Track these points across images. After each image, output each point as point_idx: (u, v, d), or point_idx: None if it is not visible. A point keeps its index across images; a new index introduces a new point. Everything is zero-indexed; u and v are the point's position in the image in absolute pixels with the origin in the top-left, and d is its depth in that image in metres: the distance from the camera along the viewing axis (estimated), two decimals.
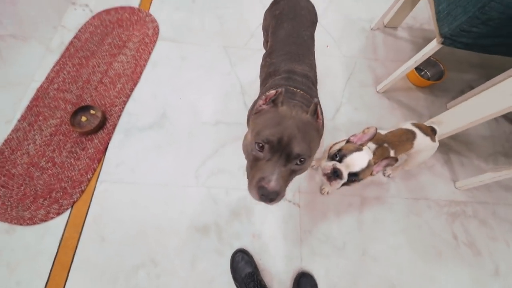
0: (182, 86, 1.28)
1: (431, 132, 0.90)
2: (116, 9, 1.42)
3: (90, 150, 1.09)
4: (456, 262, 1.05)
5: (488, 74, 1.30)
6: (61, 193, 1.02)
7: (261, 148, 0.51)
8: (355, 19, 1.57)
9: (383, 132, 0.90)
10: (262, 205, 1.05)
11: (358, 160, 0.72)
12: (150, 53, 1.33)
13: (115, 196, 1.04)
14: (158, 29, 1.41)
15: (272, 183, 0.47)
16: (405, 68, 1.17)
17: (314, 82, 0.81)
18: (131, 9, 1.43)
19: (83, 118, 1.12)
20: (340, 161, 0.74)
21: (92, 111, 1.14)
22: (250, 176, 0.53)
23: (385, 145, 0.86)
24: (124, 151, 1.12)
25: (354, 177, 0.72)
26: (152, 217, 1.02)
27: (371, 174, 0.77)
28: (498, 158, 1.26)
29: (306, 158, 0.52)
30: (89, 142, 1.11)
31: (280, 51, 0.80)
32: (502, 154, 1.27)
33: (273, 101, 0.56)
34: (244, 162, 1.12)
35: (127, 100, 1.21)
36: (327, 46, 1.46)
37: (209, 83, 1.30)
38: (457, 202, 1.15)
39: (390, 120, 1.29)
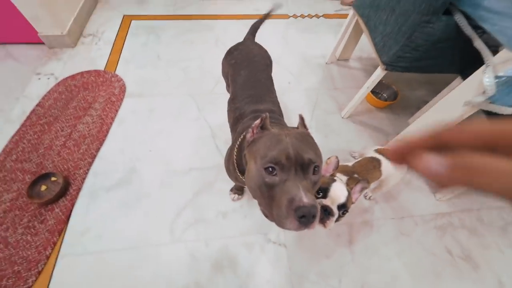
0: (151, 138, 1.27)
1: None
2: (81, 74, 1.46)
3: (50, 222, 0.99)
4: (457, 281, 0.99)
5: (436, 88, 1.43)
6: (14, 279, 0.88)
7: (273, 172, 0.47)
8: (310, 57, 1.72)
9: (350, 163, 0.91)
10: (245, 253, 0.98)
11: (339, 190, 0.70)
12: (117, 111, 1.34)
13: (79, 271, 0.92)
14: (125, 87, 1.44)
15: (306, 199, 0.42)
16: (361, 93, 1.26)
17: (280, 114, 0.83)
18: (97, 72, 1.48)
19: (43, 187, 1.05)
20: (324, 197, 0.71)
21: (53, 178, 1.07)
22: (274, 209, 0.46)
23: (355, 175, 0.86)
24: (90, 216, 1.03)
25: (343, 208, 0.69)
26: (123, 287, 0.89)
27: (352, 202, 0.75)
28: None
29: (319, 165, 0.49)
30: (49, 212, 1.01)
31: (242, 96, 0.83)
32: None
33: (262, 127, 0.55)
34: (222, 207, 1.08)
35: (92, 161, 1.16)
36: (289, 83, 1.56)
37: (178, 131, 1.30)
38: (442, 214, 1.14)
39: (359, 142, 1.33)
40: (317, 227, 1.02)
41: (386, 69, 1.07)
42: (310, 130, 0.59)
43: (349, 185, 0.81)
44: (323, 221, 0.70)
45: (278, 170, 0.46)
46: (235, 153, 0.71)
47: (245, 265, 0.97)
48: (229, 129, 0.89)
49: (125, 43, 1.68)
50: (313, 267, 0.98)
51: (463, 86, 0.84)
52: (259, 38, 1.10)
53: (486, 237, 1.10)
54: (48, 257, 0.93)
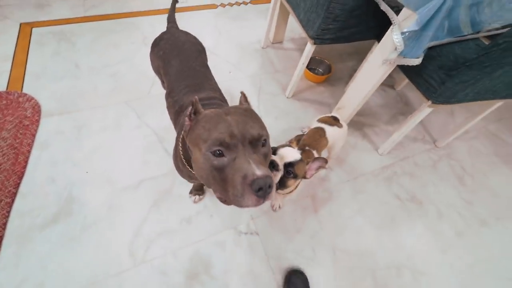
0: (85, 158, 1.10)
1: (334, 121, 0.99)
2: None
3: None
4: (408, 220, 1.13)
5: (363, 57, 1.56)
6: None
7: (220, 154, 0.44)
8: (246, 43, 1.72)
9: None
10: (219, 252, 0.94)
11: (290, 152, 0.72)
12: (34, 136, 1.12)
13: None
14: (39, 106, 1.22)
15: (258, 171, 0.41)
16: (298, 70, 1.30)
17: (223, 100, 0.80)
18: None
19: None
20: (273, 154, 0.72)
21: None
22: (229, 190, 0.43)
23: (307, 148, 0.89)
24: (23, 265, 0.86)
25: (290, 168, 0.70)
26: None
27: (306, 177, 0.76)
28: (397, 117, 1.48)
29: (267, 137, 0.48)
30: None
31: (178, 88, 0.77)
32: (399, 113, 1.51)
33: (195, 113, 0.51)
34: (185, 213, 1.01)
35: (12, 200, 0.96)
36: (230, 72, 1.53)
37: (118, 144, 1.17)
38: (386, 166, 1.28)
39: (306, 117, 1.39)
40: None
41: (315, 43, 1.12)
42: (259, 114, 0.57)
43: (305, 159, 0.83)
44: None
45: (224, 151, 0.44)
46: (180, 149, 0.66)
47: (221, 264, 0.93)
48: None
49: (29, 54, 1.41)
50: (288, 246, 1.00)
51: (380, 47, 0.92)
52: (190, 31, 1.03)
53: (422, 177, 1.27)
54: None
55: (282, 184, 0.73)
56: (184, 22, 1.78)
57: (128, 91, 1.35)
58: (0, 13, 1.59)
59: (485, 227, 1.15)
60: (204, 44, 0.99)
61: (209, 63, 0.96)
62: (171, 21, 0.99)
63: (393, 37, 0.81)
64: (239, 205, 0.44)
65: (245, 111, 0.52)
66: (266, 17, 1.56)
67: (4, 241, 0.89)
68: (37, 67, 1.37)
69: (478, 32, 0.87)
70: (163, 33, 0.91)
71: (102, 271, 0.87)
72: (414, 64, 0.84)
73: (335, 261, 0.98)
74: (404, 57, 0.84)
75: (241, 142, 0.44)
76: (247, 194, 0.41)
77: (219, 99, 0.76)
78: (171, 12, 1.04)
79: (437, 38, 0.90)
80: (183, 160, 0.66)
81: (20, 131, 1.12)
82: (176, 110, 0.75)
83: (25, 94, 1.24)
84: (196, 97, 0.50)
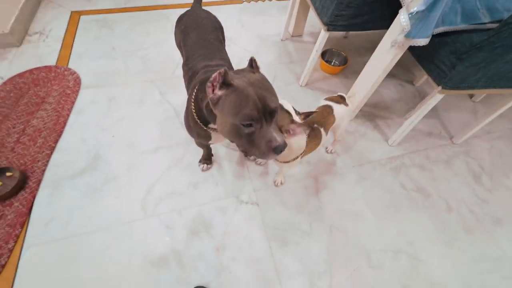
0: (113, 125, 1.25)
1: (341, 99, 1.02)
2: (30, 71, 1.39)
3: (9, 217, 0.95)
4: (413, 210, 1.11)
5: None
6: None
7: (249, 125, 0.55)
8: (266, 36, 1.80)
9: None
10: (220, 216, 1.01)
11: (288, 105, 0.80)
12: (73, 103, 1.30)
13: (48, 259, 0.89)
14: (80, 80, 1.40)
15: (280, 139, 0.56)
16: (312, 57, 1.35)
17: (230, 68, 0.86)
18: (47, 67, 1.42)
19: None
20: None
21: (8, 173, 1.01)
22: (254, 148, 0.58)
23: (315, 125, 0.93)
24: (54, 205, 1.00)
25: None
26: (97, 269, 0.88)
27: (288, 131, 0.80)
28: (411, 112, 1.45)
29: (278, 107, 0.60)
30: (8, 208, 0.96)
31: (193, 57, 0.86)
32: (414, 108, 1.47)
33: (224, 83, 0.56)
34: (193, 179, 1.10)
35: (51, 153, 1.12)
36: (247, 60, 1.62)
37: (141, 116, 1.30)
38: (395, 157, 1.26)
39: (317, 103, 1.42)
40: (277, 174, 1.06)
41: (328, 30, 1.16)
42: None
43: (310, 136, 0.88)
44: None
45: (253, 123, 0.56)
46: (193, 107, 0.73)
47: (221, 226, 1.00)
48: None
49: (76, 38, 1.63)
50: (285, 218, 1.04)
51: (389, 31, 0.94)
52: None
53: (433, 170, 1.24)
54: (11, 250, 0.88)
55: None
56: None
57: (155, 72, 1.50)
58: (56, 1, 1.86)
59: (499, 226, 1.09)
60: (226, 34, 1.07)
61: (229, 52, 1.01)
62: (197, 1, 1.10)
63: (400, 19, 0.83)
64: (260, 157, 0.60)
65: (263, 82, 0.59)
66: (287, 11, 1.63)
67: (42, 185, 1.04)
68: (81, 48, 1.58)
69: (500, 21, 0.85)
70: (187, 11, 1.01)
71: (116, 218, 0.98)
72: (421, 44, 0.85)
73: (331, 238, 1.00)
74: (412, 39, 0.86)
75: (263, 115, 0.56)
76: (269, 153, 0.57)
77: (227, 67, 0.84)
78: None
79: (451, 23, 0.91)
80: (195, 118, 0.73)
81: (63, 98, 1.31)
82: (189, 76, 0.84)
83: (70, 69, 1.44)
84: (225, 68, 0.54)
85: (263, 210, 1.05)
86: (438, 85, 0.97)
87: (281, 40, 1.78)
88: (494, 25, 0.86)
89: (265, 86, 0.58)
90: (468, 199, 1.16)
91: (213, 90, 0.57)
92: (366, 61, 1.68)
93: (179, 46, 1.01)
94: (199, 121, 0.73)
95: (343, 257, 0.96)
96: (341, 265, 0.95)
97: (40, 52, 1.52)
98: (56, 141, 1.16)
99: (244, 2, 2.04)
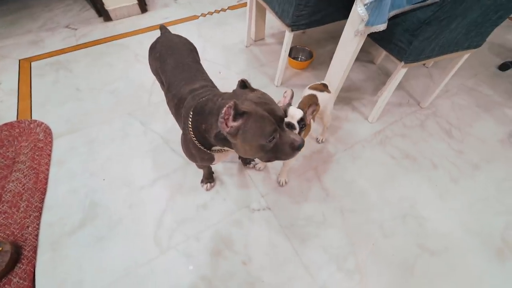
0: (101, 167, 1.19)
1: (324, 87, 1.08)
2: None
3: None
4: (406, 175, 1.21)
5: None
6: None
7: (272, 139, 0.60)
8: (231, 45, 1.83)
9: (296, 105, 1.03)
10: (237, 230, 1.01)
11: (296, 110, 0.80)
12: (49, 155, 1.21)
13: None
14: (50, 130, 1.31)
15: (297, 138, 0.63)
16: (282, 58, 1.41)
17: (213, 87, 0.87)
18: (8, 124, 1.30)
19: None
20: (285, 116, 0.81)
21: None
22: (278, 153, 0.64)
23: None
24: (60, 269, 0.92)
25: (302, 122, 0.79)
26: None
27: (308, 124, 0.86)
28: (381, 88, 1.57)
29: (283, 111, 0.66)
30: (7, 286, 0.87)
31: (174, 83, 0.85)
32: (382, 84, 1.61)
33: (237, 114, 0.57)
34: (199, 200, 1.09)
35: (40, 214, 1.03)
36: (220, 72, 1.64)
37: (129, 150, 1.25)
38: (378, 132, 1.37)
39: (297, 101, 1.49)
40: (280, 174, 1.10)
41: (292, 30, 1.23)
42: None
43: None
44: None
45: (274, 135, 0.60)
46: (192, 136, 0.73)
47: (241, 240, 1.00)
48: (178, 129, 0.90)
49: (32, 86, 1.51)
50: (299, 214, 1.08)
51: (349, 22, 1.03)
52: None
53: (412, 136, 1.37)
54: None
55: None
56: None
57: (129, 103, 1.45)
58: (0, 52, 1.71)
59: (477, 171, 1.24)
60: None
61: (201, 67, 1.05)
62: (163, 27, 1.09)
63: (357, 10, 0.92)
64: (285, 159, 0.66)
65: (264, 97, 0.62)
66: (245, 19, 1.69)
67: (39, 251, 0.96)
68: (41, 96, 1.47)
69: None
70: (158, 38, 1.00)
71: (133, 262, 0.94)
72: (381, 30, 0.94)
73: (344, 221, 1.06)
74: (371, 26, 0.95)
75: (278, 125, 0.61)
76: (293, 153, 0.63)
77: (211, 86, 0.86)
78: (163, 27, 1.14)
79: (399, 6, 1.02)
80: (197, 145, 0.73)
81: (36, 153, 1.21)
82: (175, 103, 0.83)
83: (35, 121, 1.33)
84: (234, 101, 0.55)
85: (276, 213, 1.08)
86: (401, 61, 1.08)
87: (246, 46, 1.82)
88: (434, 1, 0.99)
89: (267, 100, 0.61)
90: (447, 154, 1.30)
91: (226, 124, 0.58)
92: (329, 51, 1.79)
93: (156, 73, 1.00)
94: (202, 147, 0.74)
95: (360, 235, 1.02)
96: (360, 243, 1.01)
97: None
98: (42, 200, 1.07)
99: (200, 17, 2.06)
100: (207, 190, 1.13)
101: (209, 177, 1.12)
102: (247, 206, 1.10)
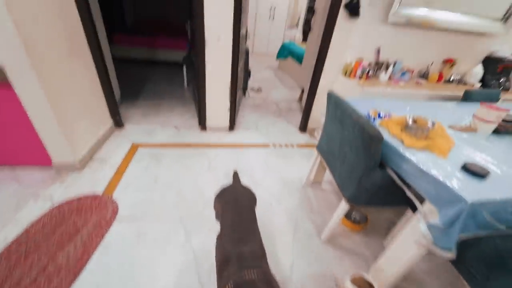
0: (132, 271, 1.23)
1: (367, 285, 0.97)
2: (79, 199, 1.57)
3: None
4: None
5: (400, 210, 1.62)
6: None
7: None
8: (289, 180, 2.00)
9: None
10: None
11: None
12: (103, 236, 1.37)
13: None
14: (117, 210, 1.53)
15: None
16: (334, 221, 1.41)
17: (263, 255, 0.89)
18: (94, 196, 1.61)
19: None
20: None
21: None
22: None
23: None
24: None
25: None
26: None
27: None
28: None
29: None
30: None
31: (228, 236, 0.93)
32: (451, 285, 1.34)
33: None
34: None
35: None
36: (271, 205, 1.73)
37: (160, 259, 1.30)
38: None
39: (341, 267, 1.36)
40: None
41: (349, 203, 1.27)
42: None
43: None
44: None
45: None
46: None
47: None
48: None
49: (129, 167, 1.92)
50: None
51: (411, 226, 1.01)
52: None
53: None
54: None
55: None
56: (242, 155, 2.25)
57: (185, 208, 1.62)
58: (123, 133, 2.34)
59: None
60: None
61: (256, 193, 1.14)
62: (236, 175, 1.31)
63: (420, 226, 0.91)
64: None
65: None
66: (308, 158, 1.89)
67: None
68: (130, 177, 1.83)
69: None
70: (229, 186, 1.19)
71: None
72: (448, 258, 0.87)
73: None
74: (435, 244, 0.89)
75: None
76: None
77: (259, 254, 0.88)
78: (236, 175, 1.35)
79: (469, 231, 0.96)
80: None
81: (96, 230, 1.39)
82: (221, 259, 0.87)
83: (112, 199, 1.61)
84: None
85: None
86: None
87: (302, 186, 1.95)
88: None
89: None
90: None
91: None
92: (385, 218, 1.70)
93: (217, 216, 1.13)
94: None
95: None
96: None
97: (95, 177, 1.77)
98: (70, 284, 1.13)
99: (271, 146, 2.43)
100: None
101: None
102: None
